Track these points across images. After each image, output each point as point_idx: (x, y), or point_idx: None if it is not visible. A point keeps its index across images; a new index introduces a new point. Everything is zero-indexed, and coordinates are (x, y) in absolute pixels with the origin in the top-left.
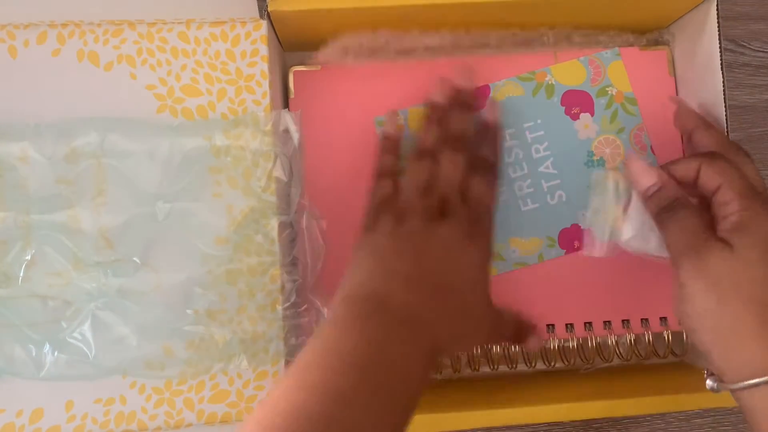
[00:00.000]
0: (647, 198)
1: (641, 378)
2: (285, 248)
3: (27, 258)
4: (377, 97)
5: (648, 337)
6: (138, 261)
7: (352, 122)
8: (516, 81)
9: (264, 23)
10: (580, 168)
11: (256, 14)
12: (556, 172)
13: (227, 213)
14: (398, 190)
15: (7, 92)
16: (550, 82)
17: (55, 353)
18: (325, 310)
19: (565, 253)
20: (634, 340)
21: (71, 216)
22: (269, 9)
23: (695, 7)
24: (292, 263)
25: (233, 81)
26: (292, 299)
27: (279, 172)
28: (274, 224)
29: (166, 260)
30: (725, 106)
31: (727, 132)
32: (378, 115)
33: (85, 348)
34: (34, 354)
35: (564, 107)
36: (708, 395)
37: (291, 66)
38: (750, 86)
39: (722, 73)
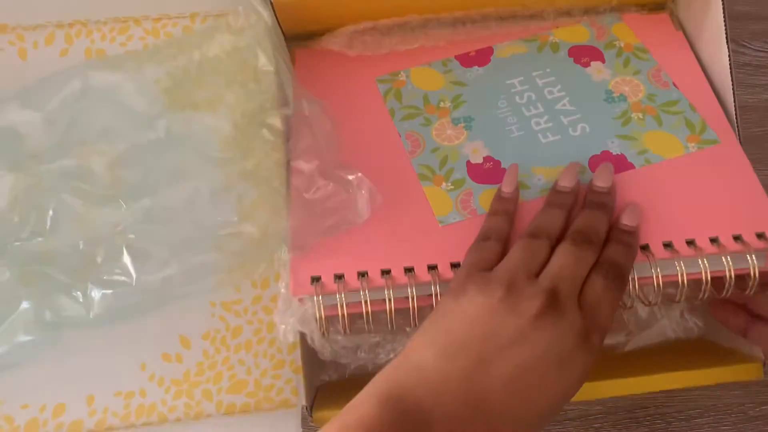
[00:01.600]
0: None
1: (658, 357)
2: (294, 138)
3: (49, 211)
4: (379, 59)
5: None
6: (154, 182)
7: (354, 85)
8: (519, 42)
9: (266, 13)
10: (601, 104)
11: (259, 4)
12: (574, 108)
13: (227, 116)
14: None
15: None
16: (554, 41)
17: (101, 291)
18: (358, 181)
19: None
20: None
21: (77, 159)
22: None
23: None
24: (305, 151)
25: (239, 73)
26: (318, 182)
27: (264, 65)
28: (276, 117)
29: (181, 174)
30: (732, 80)
31: (735, 108)
32: (379, 74)
33: (126, 279)
34: (81, 299)
35: (572, 58)
36: (734, 368)
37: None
38: (750, 86)
39: (728, 47)
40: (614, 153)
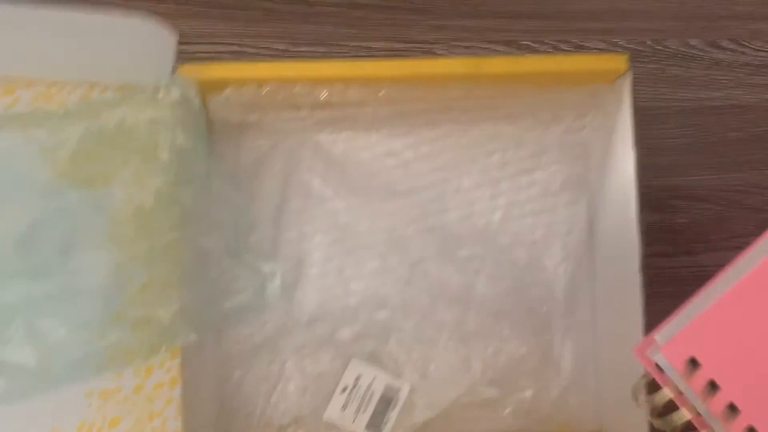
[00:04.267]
0: None
1: None
2: (205, 214)
3: None
4: None
5: None
6: (58, 258)
7: None
8: None
9: (179, 92)
10: None
11: (173, 82)
12: None
13: (137, 191)
14: None
15: None
16: None
17: None
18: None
19: None
20: None
21: None
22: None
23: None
24: (215, 227)
25: (138, 150)
26: (222, 262)
27: (181, 140)
28: (188, 192)
29: (87, 249)
30: (636, 186)
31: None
32: None
33: (25, 361)
34: None
35: None
36: None
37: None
38: (750, 86)
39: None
40: None
